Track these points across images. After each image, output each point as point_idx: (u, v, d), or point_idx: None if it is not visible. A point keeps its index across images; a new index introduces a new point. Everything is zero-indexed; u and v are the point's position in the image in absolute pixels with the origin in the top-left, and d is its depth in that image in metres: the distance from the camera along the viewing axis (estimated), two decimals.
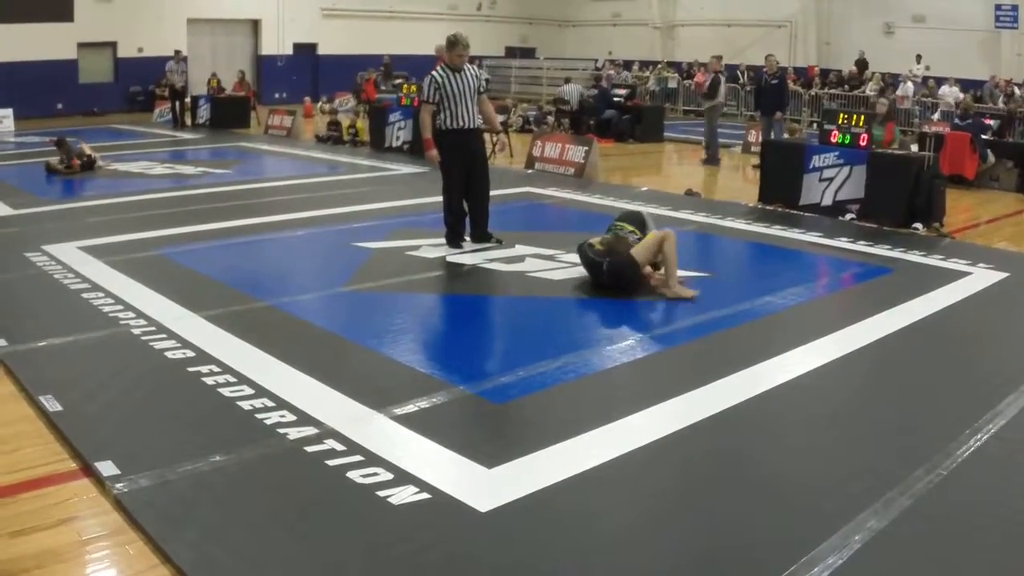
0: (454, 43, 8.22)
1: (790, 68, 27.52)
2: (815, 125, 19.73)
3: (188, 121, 21.76)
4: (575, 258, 7.41)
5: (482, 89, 8.45)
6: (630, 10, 33.00)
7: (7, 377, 5.10)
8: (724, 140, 18.68)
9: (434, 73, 8.23)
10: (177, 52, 21.68)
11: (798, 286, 7.47)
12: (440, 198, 8.63)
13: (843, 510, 3.66)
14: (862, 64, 26.10)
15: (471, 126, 8.30)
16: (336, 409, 4.62)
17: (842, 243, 9.20)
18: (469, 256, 8.11)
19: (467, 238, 8.53)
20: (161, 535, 3.42)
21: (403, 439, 4.30)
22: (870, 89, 23.54)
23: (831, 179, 10.73)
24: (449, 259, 8.02)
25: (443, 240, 8.54)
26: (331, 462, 4.03)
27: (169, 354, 5.42)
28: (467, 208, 8.51)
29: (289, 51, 29.18)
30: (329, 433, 4.32)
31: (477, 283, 7.44)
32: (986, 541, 3.53)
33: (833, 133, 10.81)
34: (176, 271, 7.55)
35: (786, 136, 15.18)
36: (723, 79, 16.33)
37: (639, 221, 7.26)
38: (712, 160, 16.01)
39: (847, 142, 10.64)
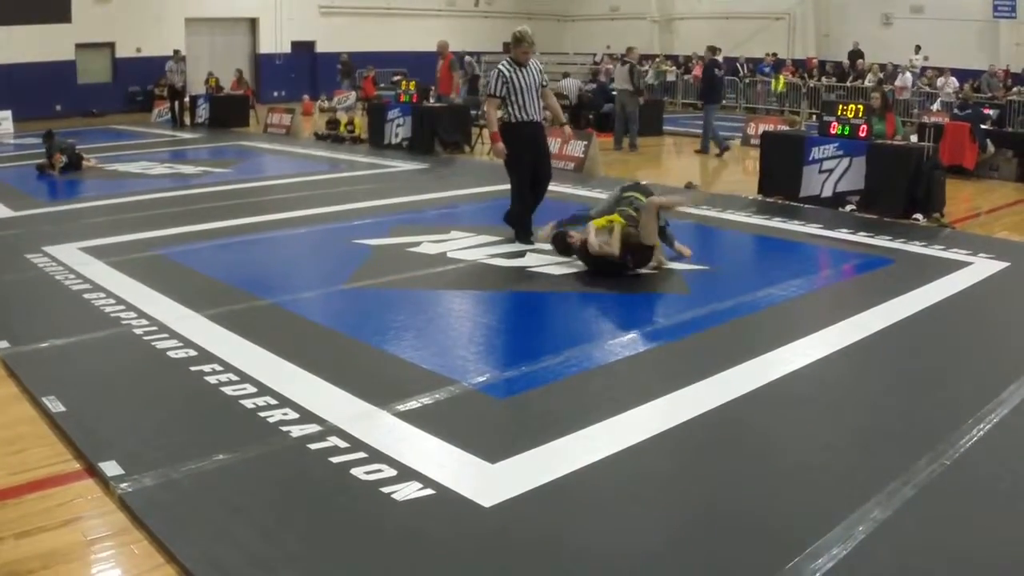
0: (520, 39, 8.26)
1: (788, 60, 27.55)
2: (814, 117, 19.70)
3: (187, 120, 21.74)
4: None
5: (545, 83, 8.51)
6: (628, 4, 32.93)
7: (10, 378, 5.11)
8: (725, 133, 18.69)
9: (501, 67, 8.27)
10: (176, 52, 21.68)
11: (799, 278, 7.47)
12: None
13: (847, 501, 3.66)
14: (856, 55, 26.04)
15: (537, 119, 8.37)
16: (339, 406, 4.62)
17: (842, 234, 9.19)
18: (470, 252, 8.11)
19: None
20: (166, 534, 3.42)
21: (406, 435, 4.30)
22: (868, 81, 23.51)
23: (831, 170, 10.71)
24: (450, 255, 8.01)
25: (445, 236, 8.56)
26: (334, 459, 4.04)
27: (171, 353, 5.43)
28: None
29: (287, 49, 29.13)
30: (332, 430, 4.33)
31: (478, 279, 7.44)
32: (990, 530, 3.54)
33: (832, 124, 10.81)
34: (177, 271, 7.56)
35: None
36: (639, 69, 16.81)
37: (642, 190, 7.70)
38: (632, 147, 16.63)
39: (847, 133, 10.64)
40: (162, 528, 3.46)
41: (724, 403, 4.73)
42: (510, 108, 8.23)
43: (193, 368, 5.18)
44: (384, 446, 4.15)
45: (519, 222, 8.49)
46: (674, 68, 28.98)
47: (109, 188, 12.21)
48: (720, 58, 17.50)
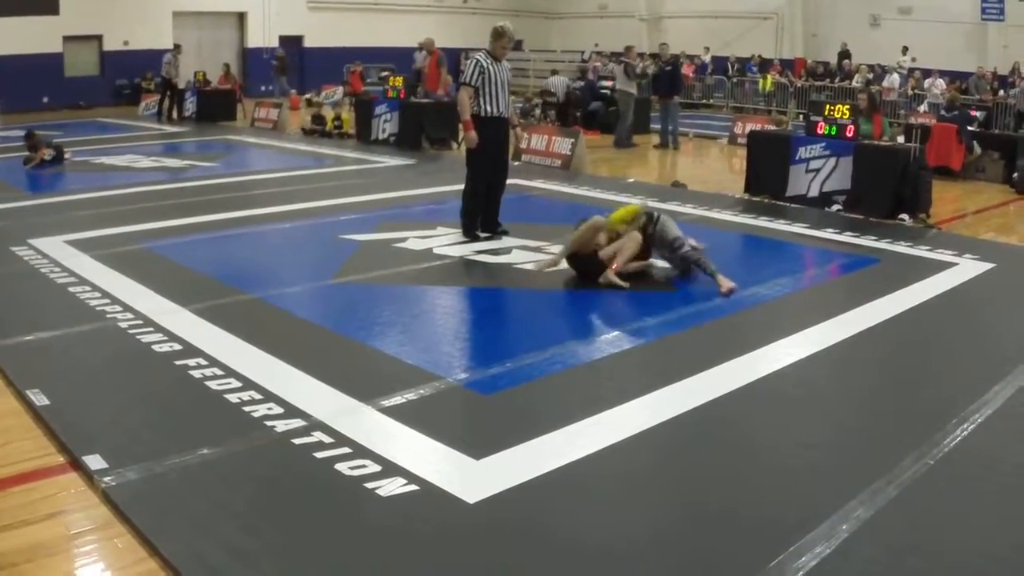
0: (501, 34, 8.28)
1: (776, 60, 27.62)
2: (801, 117, 19.77)
3: (175, 114, 21.62)
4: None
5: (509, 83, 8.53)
6: (616, 2, 32.97)
7: None
8: (712, 132, 18.78)
9: (479, 58, 8.25)
10: (177, 46, 21.62)
11: (785, 277, 7.50)
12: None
13: (831, 499, 3.68)
14: (844, 55, 26.11)
15: (506, 115, 8.40)
16: (324, 401, 4.62)
17: (829, 234, 9.22)
18: (457, 248, 8.10)
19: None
20: (149, 528, 3.41)
21: (391, 431, 4.30)
22: (856, 81, 23.59)
23: (817, 170, 10.75)
24: (436, 251, 8.01)
25: (431, 232, 8.54)
26: (319, 454, 4.03)
27: (156, 348, 5.41)
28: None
29: (275, 44, 29.02)
30: (317, 425, 4.32)
31: (465, 275, 7.44)
32: (974, 530, 3.56)
33: (819, 124, 10.83)
34: (163, 265, 7.53)
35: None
36: (633, 66, 17.05)
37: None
38: (625, 144, 16.73)
39: (833, 133, 10.67)
40: (146, 522, 3.45)
41: (709, 401, 4.74)
42: (482, 101, 8.20)
43: (178, 362, 5.16)
44: (369, 442, 4.15)
45: (470, 217, 8.48)
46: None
47: (95, 181, 12.14)
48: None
